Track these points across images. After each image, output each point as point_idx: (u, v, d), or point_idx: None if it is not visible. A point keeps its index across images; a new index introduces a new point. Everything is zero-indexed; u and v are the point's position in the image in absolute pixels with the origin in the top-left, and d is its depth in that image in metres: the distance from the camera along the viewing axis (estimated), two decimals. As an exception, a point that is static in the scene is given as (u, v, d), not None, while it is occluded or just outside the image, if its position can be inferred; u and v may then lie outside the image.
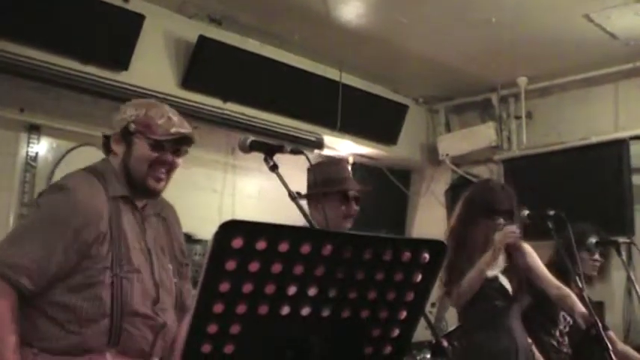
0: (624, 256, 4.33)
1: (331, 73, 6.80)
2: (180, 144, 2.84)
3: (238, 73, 6.12)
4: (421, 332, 2.42)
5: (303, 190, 3.76)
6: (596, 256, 4.66)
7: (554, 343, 4.44)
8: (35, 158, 5.63)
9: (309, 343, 1.96)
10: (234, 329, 1.87)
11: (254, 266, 1.82)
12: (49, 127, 5.70)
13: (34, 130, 5.64)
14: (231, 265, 1.79)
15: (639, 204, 6.57)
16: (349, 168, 3.97)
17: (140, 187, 2.81)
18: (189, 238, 5.53)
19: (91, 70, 5.37)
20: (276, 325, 1.92)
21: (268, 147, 2.67)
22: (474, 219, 4.10)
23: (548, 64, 6.82)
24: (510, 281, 4.03)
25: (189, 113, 5.79)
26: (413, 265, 2.03)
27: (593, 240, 4.65)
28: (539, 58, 6.65)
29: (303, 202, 3.52)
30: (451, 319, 6.49)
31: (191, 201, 6.08)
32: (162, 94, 5.67)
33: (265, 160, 2.65)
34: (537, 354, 4.24)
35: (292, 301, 1.91)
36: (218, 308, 1.82)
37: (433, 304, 6.38)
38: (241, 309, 1.85)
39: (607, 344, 3.51)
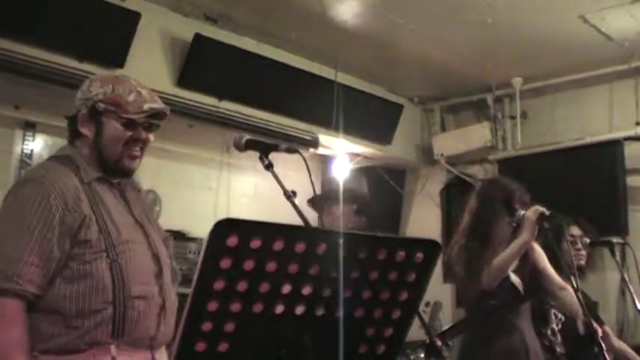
0: (618, 257, 4.33)
1: (327, 72, 6.79)
2: (153, 119, 2.69)
3: (234, 72, 6.12)
4: (415, 332, 2.43)
5: (298, 189, 3.77)
6: (579, 246, 4.67)
7: (547, 343, 4.44)
8: (30, 155, 5.63)
9: (303, 341, 1.97)
10: (229, 327, 1.87)
11: (249, 264, 1.82)
12: (44, 125, 5.70)
13: (30, 127, 5.65)
14: (225, 263, 1.80)
15: (633, 205, 6.58)
16: (365, 183, 4.07)
17: (115, 168, 2.66)
18: (184, 236, 5.54)
19: (87, 67, 5.35)
20: (271, 323, 1.92)
21: (264, 145, 2.67)
22: (496, 215, 4.08)
23: (543, 64, 6.83)
24: (521, 280, 4.02)
25: (185, 111, 5.80)
26: (407, 264, 2.04)
27: (574, 231, 4.67)
28: (535, 58, 6.66)
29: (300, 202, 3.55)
30: (445, 319, 6.51)
31: (186, 199, 6.09)
32: (157, 92, 5.58)
33: (261, 158, 2.64)
34: None
35: (287, 300, 1.91)
36: (212, 306, 1.83)
37: (427, 304, 6.40)
38: (236, 307, 1.86)
39: (601, 345, 3.51)
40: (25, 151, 5.60)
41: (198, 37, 5.83)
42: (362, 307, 2.04)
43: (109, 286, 2.48)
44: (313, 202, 4.15)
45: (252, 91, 6.33)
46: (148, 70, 5.71)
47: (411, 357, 5.65)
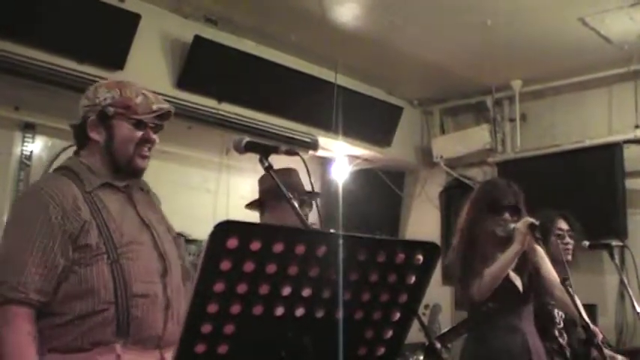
0: (617, 260, 4.34)
1: (326, 75, 6.80)
2: (161, 120, 2.80)
3: (233, 74, 6.13)
4: (414, 334, 2.42)
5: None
6: (567, 240, 4.68)
7: (556, 346, 4.44)
8: (30, 157, 5.63)
9: (303, 343, 1.97)
10: (229, 329, 1.87)
11: (249, 267, 1.82)
12: (43, 126, 5.71)
13: (29, 128, 5.65)
14: (225, 265, 1.79)
15: (632, 207, 6.59)
16: (297, 175, 4.01)
17: (127, 168, 2.73)
18: (183, 238, 5.53)
19: (87, 69, 5.36)
20: (271, 325, 1.92)
21: (263, 148, 2.65)
22: (481, 217, 4.07)
23: (543, 67, 6.84)
24: (522, 280, 4.02)
25: (184, 113, 5.80)
26: (407, 266, 2.04)
27: (562, 225, 4.69)
28: (534, 61, 6.67)
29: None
30: (444, 321, 6.51)
31: (185, 201, 6.09)
32: (157, 93, 5.65)
33: (260, 160, 2.63)
34: None
35: (286, 302, 1.91)
36: (212, 308, 1.83)
37: (426, 306, 6.39)
38: (236, 309, 1.85)
39: (600, 347, 3.52)
40: (24, 152, 5.60)
41: (197, 38, 5.83)
42: (361, 309, 2.04)
43: (110, 286, 2.52)
44: (252, 205, 4.14)
45: (251, 93, 6.33)
46: (148, 72, 5.72)
47: (411, 359, 5.66)
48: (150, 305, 2.60)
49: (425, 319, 5.86)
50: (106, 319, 2.51)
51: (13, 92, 5.41)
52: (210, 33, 5.99)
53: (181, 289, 2.73)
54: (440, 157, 7.66)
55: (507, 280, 3.97)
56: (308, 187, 3.86)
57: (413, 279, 2.06)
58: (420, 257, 2.04)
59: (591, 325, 3.64)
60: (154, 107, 2.75)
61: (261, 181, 4.02)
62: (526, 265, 4.04)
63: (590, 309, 5.90)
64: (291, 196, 2.55)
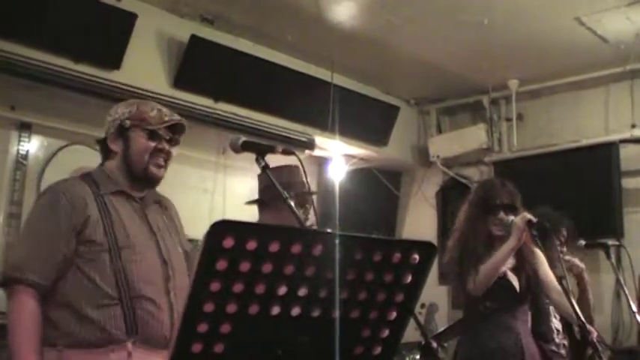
0: (613, 259, 4.33)
1: (323, 74, 6.80)
2: (174, 132, 2.99)
3: (230, 73, 6.12)
4: (410, 333, 2.43)
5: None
6: (564, 249, 4.70)
7: (554, 348, 4.44)
8: (26, 156, 5.62)
9: (299, 343, 1.97)
10: (225, 329, 1.87)
11: (245, 266, 1.82)
12: (40, 126, 5.70)
13: (25, 128, 5.64)
14: (222, 264, 1.80)
15: (628, 207, 6.60)
16: (300, 172, 3.99)
17: (143, 177, 2.94)
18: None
19: (83, 68, 5.36)
20: (267, 324, 1.92)
21: (260, 147, 2.67)
22: (477, 216, 4.08)
23: (540, 66, 6.84)
24: (519, 280, 4.02)
25: (181, 113, 5.73)
26: (403, 266, 2.04)
27: (564, 230, 4.72)
28: (531, 60, 6.68)
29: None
30: (440, 321, 6.52)
31: (182, 200, 6.01)
32: (153, 93, 5.67)
33: (257, 160, 2.64)
34: None
35: (282, 301, 1.91)
36: (208, 307, 1.83)
37: (423, 305, 6.40)
38: (232, 308, 1.85)
39: (596, 346, 3.52)
40: (20, 151, 5.59)
41: (194, 38, 5.83)
42: (358, 309, 2.04)
43: (112, 283, 2.72)
44: (252, 203, 4.11)
45: (248, 92, 6.33)
46: (144, 71, 5.71)
47: (407, 358, 5.66)
48: (155, 308, 2.77)
49: (421, 318, 5.85)
50: (113, 315, 2.70)
51: (9, 92, 5.40)
52: (207, 32, 5.99)
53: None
54: (436, 157, 7.66)
55: (504, 279, 3.96)
56: (309, 187, 3.87)
57: (409, 278, 2.06)
58: (417, 256, 2.04)
59: (587, 325, 3.65)
60: (166, 119, 2.96)
61: (261, 179, 4.01)
62: (524, 264, 4.04)
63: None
64: (287, 195, 2.55)
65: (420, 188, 8.14)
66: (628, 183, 6.66)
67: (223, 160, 6.82)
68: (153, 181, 2.98)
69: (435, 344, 2.71)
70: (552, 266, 4.02)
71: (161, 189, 3.09)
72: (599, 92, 7.00)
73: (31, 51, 5.10)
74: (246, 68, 6.22)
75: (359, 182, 7.66)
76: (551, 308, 4.42)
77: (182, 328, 1.84)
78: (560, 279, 3.67)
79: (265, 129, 6.49)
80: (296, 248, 1.87)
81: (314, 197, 3.94)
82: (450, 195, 7.84)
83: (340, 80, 6.95)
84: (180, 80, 5.88)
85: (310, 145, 6.94)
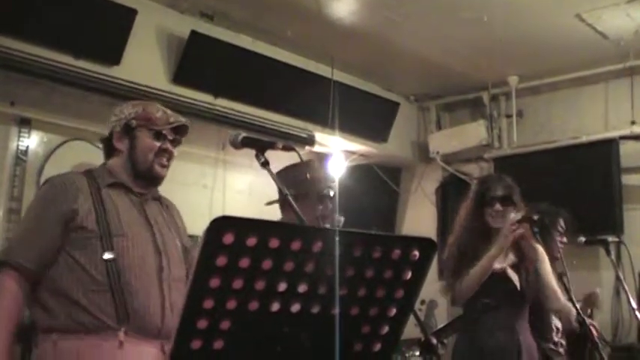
0: (613, 256, 4.34)
1: (323, 70, 6.79)
2: (177, 133, 3.07)
3: (230, 69, 6.12)
4: (410, 329, 2.43)
5: (293, 187, 3.76)
6: (564, 239, 4.72)
7: (553, 346, 4.45)
8: (25, 152, 5.62)
9: (299, 339, 1.97)
10: (224, 325, 1.87)
11: (244, 262, 1.82)
12: (39, 121, 5.69)
13: (25, 123, 5.63)
14: (221, 260, 1.80)
15: (628, 203, 6.60)
16: (321, 167, 3.98)
17: (148, 175, 3.02)
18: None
19: (83, 64, 5.35)
20: (266, 321, 1.92)
21: (260, 143, 2.68)
22: (475, 211, 4.13)
23: (540, 63, 6.84)
24: (519, 277, 4.02)
25: (180, 109, 5.77)
26: (403, 262, 2.04)
27: (561, 221, 4.74)
28: (531, 57, 6.67)
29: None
30: (440, 317, 6.52)
31: (181, 196, 6.01)
32: (153, 89, 5.66)
33: (257, 156, 2.65)
34: None
35: (282, 298, 1.91)
36: (208, 304, 1.83)
37: (422, 302, 6.40)
38: (231, 305, 1.86)
39: (595, 341, 3.53)
40: (20, 147, 5.59)
41: (194, 34, 5.82)
42: (357, 305, 2.04)
43: (102, 269, 2.76)
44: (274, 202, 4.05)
45: (247, 88, 6.32)
46: (144, 67, 5.71)
47: (407, 355, 5.66)
48: (146, 296, 2.80)
49: (421, 315, 5.85)
50: (103, 301, 2.74)
51: (8, 87, 5.39)
52: (207, 28, 5.98)
53: (181, 286, 2.91)
54: (436, 153, 7.65)
55: (505, 277, 3.97)
56: (331, 181, 3.85)
57: (409, 275, 2.06)
58: (416, 253, 2.04)
59: (587, 320, 3.65)
60: (171, 120, 3.05)
61: (282, 176, 3.94)
62: (524, 261, 4.04)
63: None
64: (287, 192, 2.56)
65: (419, 184, 8.14)
66: (628, 179, 6.65)
67: (223, 156, 6.81)
68: (156, 179, 3.06)
69: (434, 341, 2.71)
70: (553, 263, 4.03)
71: (161, 185, 3.11)
72: (599, 89, 7.00)
73: (30, 47, 5.09)
74: (246, 64, 6.22)
75: (359, 178, 7.65)
76: None
77: (182, 324, 1.84)
78: (560, 275, 3.68)
79: (265, 125, 6.48)
80: (296, 244, 1.87)
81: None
82: (449, 191, 7.84)
83: (340, 76, 6.94)
84: (180, 76, 5.88)
85: (310, 141, 6.94)
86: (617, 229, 6.36)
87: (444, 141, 7.66)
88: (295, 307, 1.94)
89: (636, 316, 4.06)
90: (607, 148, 6.66)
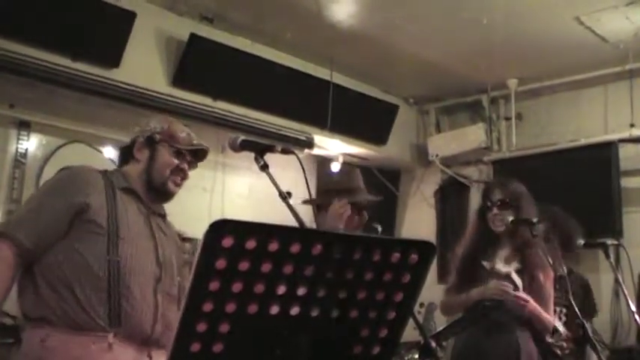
0: (612, 259, 4.33)
1: (322, 73, 6.80)
2: (196, 156, 3.18)
3: (229, 72, 6.12)
4: (409, 333, 2.43)
5: (293, 190, 3.76)
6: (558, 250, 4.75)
7: (548, 348, 4.45)
8: (25, 155, 5.62)
9: (298, 342, 1.97)
10: (224, 328, 1.87)
11: (244, 265, 1.82)
12: (39, 124, 5.69)
13: (24, 126, 5.64)
14: (221, 264, 1.79)
15: (627, 206, 6.59)
16: (360, 177, 4.04)
17: (160, 190, 3.09)
18: (179, 237, 5.51)
19: (82, 67, 5.36)
20: (266, 324, 1.92)
21: (259, 146, 2.68)
22: (477, 217, 4.26)
23: (539, 66, 6.84)
24: (523, 281, 4.03)
25: (180, 111, 5.79)
26: (402, 265, 2.03)
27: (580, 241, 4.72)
28: (530, 59, 6.67)
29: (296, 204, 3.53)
30: (439, 320, 6.51)
31: (180, 199, 6.02)
32: (152, 91, 5.67)
33: (256, 159, 2.65)
34: None
35: (282, 301, 1.91)
36: (207, 307, 1.83)
37: (421, 305, 6.39)
38: (231, 308, 1.85)
39: (595, 344, 3.53)
40: (19, 150, 5.59)
41: (193, 36, 5.82)
42: (357, 308, 2.04)
43: (104, 268, 2.79)
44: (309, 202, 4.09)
45: (247, 91, 6.33)
46: (143, 70, 5.71)
47: (406, 358, 5.66)
48: (140, 303, 2.83)
49: (420, 318, 5.87)
50: (99, 299, 2.76)
51: (8, 90, 5.40)
52: (206, 31, 5.98)
53: (173, 301, 2.98)
54: (435, 156, 7.65)
55: (509, 281, 3.99)
56: (368, 193, 3.91)
57: (408, 278, 2.06)
58: (416, 256, 2.04)
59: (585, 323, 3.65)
60: (195, 142, 3.16)
61: (320, 181, 4.00)
62: (528, 269, 4.05)
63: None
64: (286, 195, 2.56)
65: (418, 187, 8.15)
66: (627, 182, 6.65)
67: (222, 159, 6.81)
68: (168, 195, 3.14)
69: (433, 344, 2.71)
70: (553, 265, 4.04)
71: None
72: (598, 92, 7.00)
73: (30, 49, 5.10)
74: (245, 67, 6.22)
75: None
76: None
77: (181, 328, 1.83)
78: (560, 278, 3.68)
79: (264, 128, 6.49)
80: (295, 248, 1.87)
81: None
82: (448, 194, 7.84)
83: (339, 79, 6.95)
84: (179, 79, 5.88)
85: (309, 143, 6.94)
86: (617, 231, 6.35)
87: (444, 144, 7.66)
88: (295, 310, 1.94)
89: (635, 318, 4.05)
90: (606, 151, 6.65)
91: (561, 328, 4.48)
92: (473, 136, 7.45)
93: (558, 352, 4.40)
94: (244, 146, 2.68)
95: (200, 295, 1.81)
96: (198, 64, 5.93)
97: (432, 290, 3.84)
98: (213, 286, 1.81)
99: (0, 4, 4.85)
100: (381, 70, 7.16)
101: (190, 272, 1.81)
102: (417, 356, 5.59)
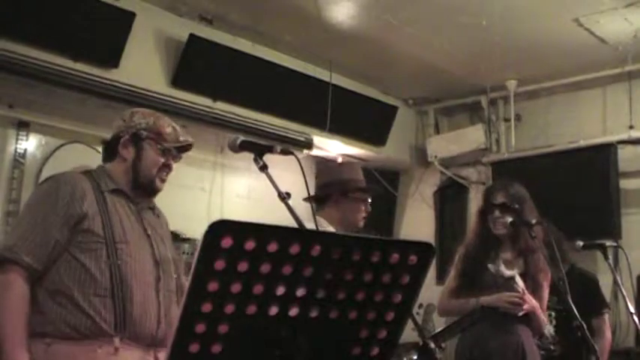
0: (611, 260, 4.33)
1: (321, 74, 6.80)
2: (182, 151, 3.13)
3: (228, 73, 6.12)
4: (408, 334, 2.43)
5: (292, 191, 3.76)
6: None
7: (542, 352, 4.45)
8: (24, 155, 5.61)
9: (297, 343, 1.97)
10: (222, 329, 1.87)
11: (243, 266, 1.82)
12: (38, 124, 5.69)
13: (23, 126, 5.63)
14: (220, 264, 1.79)
15: (626, 208, 6.60)
16: (359, 169, 4.10)
17: (147, 187, 3.05)
18: (178, 237, 5.52)
19: (81, 67, 5.35)
20: (265, 325, 1.92)
21: (258, 147, 2.69)
22: (478, 219, 4.27)
23: (538, 67, 6.84)
24: (525, 285, 4.04)
25: (179, 112, 5.79)
26: (401, 266, 2.03)
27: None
28: (529, 61, 6.67)
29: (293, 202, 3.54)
30: (438, 321, 6.51)
31: (179, 199, 6.08)
32: (152, 92, 5.66)
33: (255, 160, 2.66)
34: None
35: (281, 302, 1.91)
36: (206, 308, 1.83)
37: (420, 306, 6.39)
38: (229, 309, 1.85)
39: (593, 346, 3.53)
40: (18, 150, 5.58)
41: (192, 37, 5.82)
42: (355, 309, 2.04)
43: (106, 275, 2.78)
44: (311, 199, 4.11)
45: (246, 92, 6.33)
46: (142, 70, 5.71)
47: (404, 359, 5.66)
48: (144, 304, 2.82)
49: (419, 319, 5.86)
50: (104, 306, 2.74)
51: (7, 90, 5.39)
52: (205, 32, 5.98)
53: (173, 297, 2.98)
54: (434, 157, 7.66)
55: (513, 282, 4.00)
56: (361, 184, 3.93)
57: (407, 279, 2.06)
58: (414, 257, 2.04)
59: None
60: (181, 139, 3.10)
61: (319, 176, 4.03)
62: (530, 270, 4.06)
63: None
64: (285, 196, 2.56)
65: (417, 188, 8.15)
66: (626, 184, 6.66)
67: (221, 160, 6.81)
68: (155, 192, 3.10)
69: (432, 345, 2.71)
70: (552, 267, 4.04)
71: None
72: (597, 93, 7.01)
73: (29, 49, 5.09)
74: (245, 68, 6.22)
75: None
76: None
77: (180, 328, 1.83)
78: (559, 280, 3.69)
79: (263, 128, 6.48)
80: (294, 248, 1.87)
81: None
82: (447, 195, 7.85)
83: (338, 80, 6.95)
84: (179, 79, 5.88)
85: (308, 144, 6.93)
86: (615, 233, 6.35)
87: (442, 145, 7.66)
88: (293, 311, 1.94)
89: (634, 320, 4.06)
90: (605, 153, 6.65)
91: (550, 331, 4.50)
92: (472, 137, 7.46)
93: (542, 352, 4.41)
94: (244, 147, 2.69)
95: (199, 296, 1.81)
96: (197, 64, 5.93)
97: (430, 291, 3.86)
98: (212, 286, 1.81)
99: (-1, 5, 4.85)
100: (380, 72, 7.16)
101: (189, 273, 1.81)
102: (415, 357, 5.58)
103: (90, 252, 2.79)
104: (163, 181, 3.08)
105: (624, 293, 4.29)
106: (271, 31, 6.24)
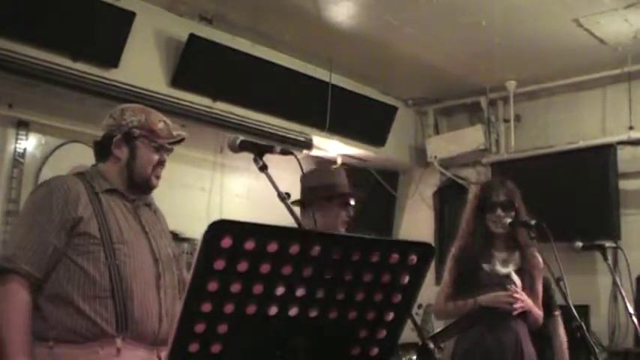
0: (610, 261, 4.33)
1: (321, 74, 6.80)
2: (175, 145, 3.07)
3: (228, 73, 6.12)
4: (407, 334, 2.43)
5: (292, 191, 3.77)
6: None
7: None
8: (23, 154, 5.61)
9: (297, 343, 1.97)
10: (222, 329, 1.87)
11: (242, 266, 1.82)
12: (37, 124, 5.68)
13: (23, 126, 5.63)
14: (219, 264, 1.79)
15: (625, 208, 6.60)
16: (344, 174, 4.06)
17: (143, 186, 3.01)
18: (177, 237, 5.51)
19: (81, 66, 5.35)
20: (264, 325, 1.92)
21: (258, 147, 2.68)
22: (475, 216, 4.18)
23: (537, 68, 6.85)
24: (522, 281, 4.03)
25: (179, 112, 5.79)
26: (400, 267, 2.04)
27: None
28: (529, 61, 6.68)
29: (295, 207, 3.55)
30: (437, 321, 6.51)
31: (179, 199, 6.08)
32: (151, 92, 5.66)
33: (255, 160, 2.65)
34: None
35: (280, 302, 1.91)
36: (206, 307, 1.83)
37: (420, 306, 6.39)
38: (229, 308, 1.85)
39: (592, 346, 3.53)
40: (18, 150, 5.58)
41: (192, 37, 5.82)
42: (355, 309, 2.04)
43: (106, 276, 2.76)
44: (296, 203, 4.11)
45: (246, 92, 6.32)
46: (142, 70, 5.70)
47: (404, 359, 5.66)
48: (145, 303, 2.80)
49: (418, 319, 5.87)
50: (105, 308, 2.72)
51: (6, 89, 5.39)
52: (205, 31, 5.98)
53: (176, 295, 2.95)
54: (434, 157, 7.66)
55: (509, 279, 3.99)
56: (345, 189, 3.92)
57: (407, 279, 2.06)
58: (414, 257, 2.04)
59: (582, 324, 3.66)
60: (174, 133, 3.05)
61: (303, 180, 4.02)
62: (526, 267, 4.06)
63: (583, 310, 5.91)
64: (284, 196, 2.56)
65: (417, 189, 8.15)
66: (625, 185, 6.66)
67: (221, 160, 6.82)
68: (150, 189, 3.07)
69: (431, 345, 2.71)
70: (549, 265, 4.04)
71: (159, 187, 3.11)
72: (596, 94, 7.01)
73: (29, 49, 5.09)
74: (245, 68, 6.22)
75: (356, 182, 7.64)
76: None
77: (179, 328, 1.83)
78: (557, 280, 3.68)
79: (263, 128, 6.48)
80: (294, 249, 1.87)
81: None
82: (447, 196, 7.85)
83: (338, 80, 6.95)
84: (179, 79, 5.88)
85: (308, 144, 6.94)
86: (615, 234, 6.35)
87: (442, 145, 7.67)
88: (293, 311, 1.94)
89: (633, 321, 4.06)
90: (604, 153, 6.66)
91: None
92: (471, 137, 7.46)
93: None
94: (243, 147, 2.69)
95: (198, 296, 1.81)
96: (197, 64, 5.93)
97: (430, 291, 3.85)
98: (212, 286, 1.81)
99: (-1, 4, 4.85)
100: (380, 72, 7.16)
101: (189, 273, 1.81)
102: (414, 357, 5.59)
103: (88, 254, 2.76)
104: (158, 177, 3.04)
105: (623, 294, 4.29)
106: (271, 30, 6.24)
